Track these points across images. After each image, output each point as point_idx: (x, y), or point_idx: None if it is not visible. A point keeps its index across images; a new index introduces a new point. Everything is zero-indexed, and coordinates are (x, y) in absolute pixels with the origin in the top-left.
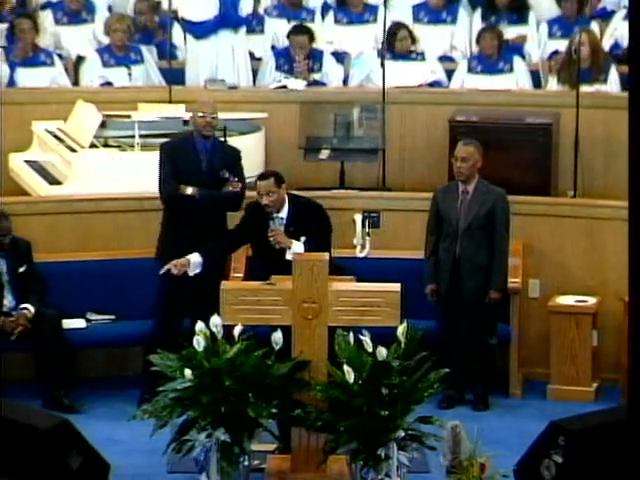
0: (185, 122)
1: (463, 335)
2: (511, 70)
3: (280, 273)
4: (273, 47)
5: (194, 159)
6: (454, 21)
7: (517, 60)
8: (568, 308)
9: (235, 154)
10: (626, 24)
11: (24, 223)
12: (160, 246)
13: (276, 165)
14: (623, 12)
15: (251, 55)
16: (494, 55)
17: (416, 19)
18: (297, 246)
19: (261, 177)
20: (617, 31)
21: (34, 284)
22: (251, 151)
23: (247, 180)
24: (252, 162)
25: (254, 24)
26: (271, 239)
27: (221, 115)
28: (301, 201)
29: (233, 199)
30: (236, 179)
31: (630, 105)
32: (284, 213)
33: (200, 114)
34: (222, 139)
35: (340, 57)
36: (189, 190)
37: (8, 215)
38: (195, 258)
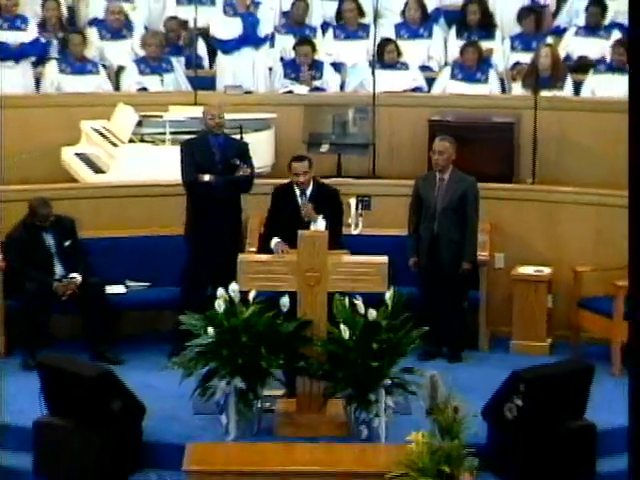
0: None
1: (440, 299)
2: (487, 80)
3: None
4: (282, 58)
5: (209, 152)
6: (430, 36)
7: (492, 72)
8: (528, 277)
9: (243, 146)
10: (576, 39)
11: (74, 205)
12: (187, 225)
13: (284, 157)
14: (574, 29)
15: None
16: (474, 66)
17: (398, 35)
18: (320, 221)
19: (297, 159)
20: (569, 46)
21: (80, 256)
22: (263, 145)
23: (262, 168)
24: (264, 154)
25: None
26: (303, 212)
27: (238, 115)
28: (323, 184)
29: (244, 182)
30: (245, 165)
31: (630, 105)
32: (308, 192)
33: (209, 116)
34: (235, 136)
35: (337, 67)
36: (206, 177)
37: (49, 202)
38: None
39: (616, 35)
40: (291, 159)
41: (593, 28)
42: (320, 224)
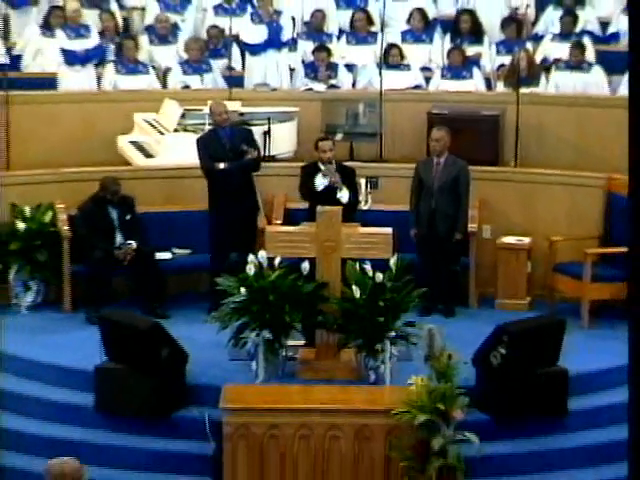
0: (241, 114)
1: (436, 264)
2: (471, 77)
3: None
4: (302, 61)
5: (220, 144)
6: (431, 41)
7: (475, 70)
8: (510, 245)
9: (248, 133)
10: (552, 44)
11: (128, 184)
12: (210, 205)
13: (305, 144)
14: (550, 36)
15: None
16: (459, 66)
17: (404, 40)
18: (345, 190)
19: (323, 139)
20: (546, 50)
21: (137, 228)
22: (287, 134)
23: (286, 153)
24: (288, 142)
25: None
26: (331, 179)
27: (266, 109)
28: (343, 164)
29: (253, 163)
30: (252, 149)
31: (630, 106)
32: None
33: (218, 113)
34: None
35: (350, 68)
36: (221, 165)
37: (118, 180)
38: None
39: (587, 41)
40: (317, 139)
41: (566, 34)
42: (345, 193)
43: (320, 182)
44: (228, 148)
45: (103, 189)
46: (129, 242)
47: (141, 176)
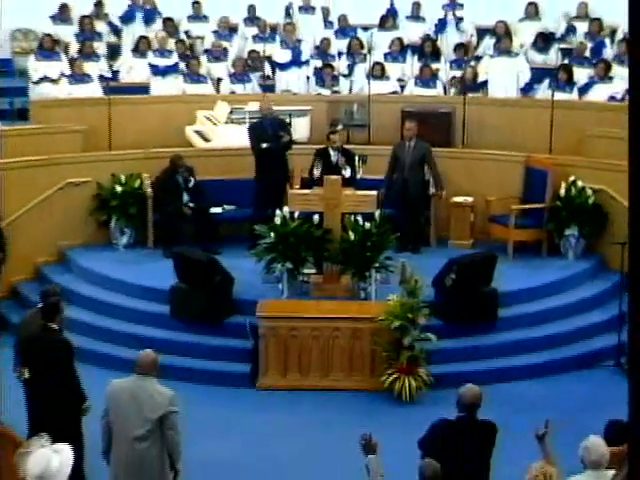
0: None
1: (407, 217)
2: (435, 86)
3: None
4: (314, 73)
5: (264, 130)
6: (404, 60)
7: (438, 81)
8: (459, 203)
9: (284, 122)
10: (489, 63)
11: (193, 160)
12: (256, 173)
13: (316, 133)
14: (487, 57)
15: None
16: (424, 78)
17: (385, 59)
18: (348, 169)
19: (333, 133)
20: (485, 66)
21: (197, 191)
22: (303, 126)
23: (302, 139)
24: (303, 131)
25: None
26: (340, 162)
27: (288, 107)
28: (345, 148)
29: (286, 145)
30: (286, 134)
31: (630, 108)
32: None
33: (265, 108)
34: (275, 115)
35: (347, 78)
36: (264, 145)
37: (182, 156)
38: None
39: (521, 58)
40: (328, 132)
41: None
42: (347, 170)
43: (334, 157)
44: (270, 133)
45: (172, 163)
46: (192, 203)
47: (201, 154)
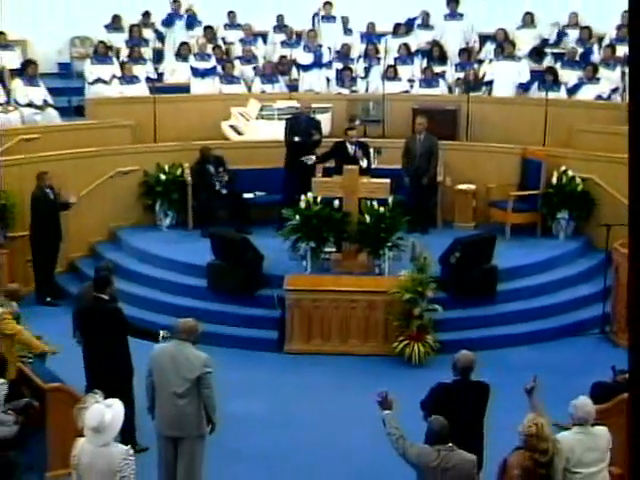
0: (297, 108)
1: (417, 201)
2: (439, 86)
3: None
4: (335, 75)
5: (299, 125)
6: (412, 63)
7: (442, 81)
8: (462, 190)
9: (317, 122)
10: (490, 66)
11: (227, 152)
12: (285, 162)
13: (336, 127)
14: (488, 60)
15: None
16: (432, 79)
17: (397, 63)
18: (365, 160)
19: (350, 129)
20: (487, 69)
21: (229, 178)
22: (325, 121)
23: (324, 132)
24: (325, 125)
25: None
26: (357, 155)
27: (313, 105)
28: (361, 142)
29: (316, 142)
30: (317, 133)
31: (630, 110)
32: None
33: (304, 105)
34: (312, 115)
35: (364, 79)
36: (296, 138)
37: (211, 148)
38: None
39: (524, 60)
40: (346, 128)
41: (507, 56)
42: (364, 162)
43: (351, 150)
44: (303, 128)
45: (202, 154)
46: (222, 175)
47: (235, 146)
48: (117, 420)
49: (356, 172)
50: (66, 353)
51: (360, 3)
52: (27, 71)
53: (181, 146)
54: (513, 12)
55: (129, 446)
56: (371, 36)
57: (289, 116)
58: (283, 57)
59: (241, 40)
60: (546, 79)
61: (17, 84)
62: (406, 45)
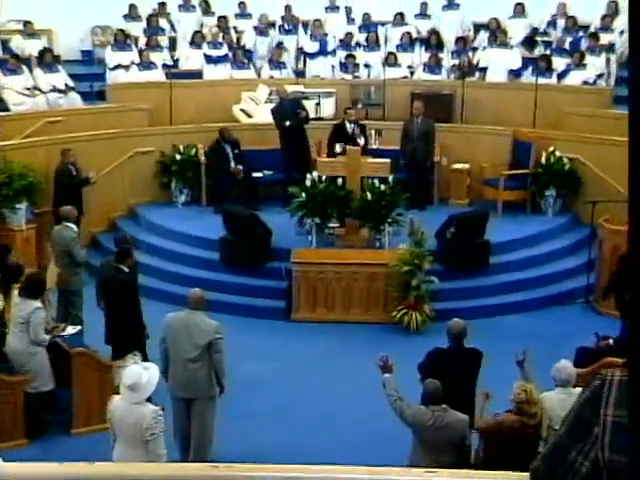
0: (303, 92)
1: (415, 180)
2: (440, 73)
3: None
4: (339, 62)
5: (284, 109)
6: (412, 50)
7: (443, 68)
8: (457, 169)
9: (299, 100)
10: (484, 53)
11: (238, 133)
12: (282, 146)
13: (340, 110)
14: (482, 47)
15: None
16: (433, 66)
17: (397, 50)
18: (362, 138)
19: (349, 109)
20: (481, 56)
21: (241, 158)
22: (330, 105)
23: (328, 115)
24: (330, 109)
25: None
26: (355, 133)
27: (318, 90)
28: (360, 123)
29: (304, 121)
30: (303, 112)
31: (630, 111)
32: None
33: (283, 91)
34: (291, 97)
35: (366, 66)
36: (287, 123)
37: (229, 129)
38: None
39: (515, 48)
40: (346, 108)
41: (500, 44)
42: (362, 140)
43: (350, 129)
44: (289, 111)
45: (221, 135)
46: (238, 166)
47: (245, 128)
48: (152, 381)
49: (359, 152)
50: (92, 320)
51: None
52: (45, 59)
53: (195, 128)
54: (505, 2)
55: (159, 406)
56: (369, 26)
57: (274, 105)
58: (280, 43)
59: (255, 27)
60: (539, 66)
61: (37, 73)
62: (409, 34)
